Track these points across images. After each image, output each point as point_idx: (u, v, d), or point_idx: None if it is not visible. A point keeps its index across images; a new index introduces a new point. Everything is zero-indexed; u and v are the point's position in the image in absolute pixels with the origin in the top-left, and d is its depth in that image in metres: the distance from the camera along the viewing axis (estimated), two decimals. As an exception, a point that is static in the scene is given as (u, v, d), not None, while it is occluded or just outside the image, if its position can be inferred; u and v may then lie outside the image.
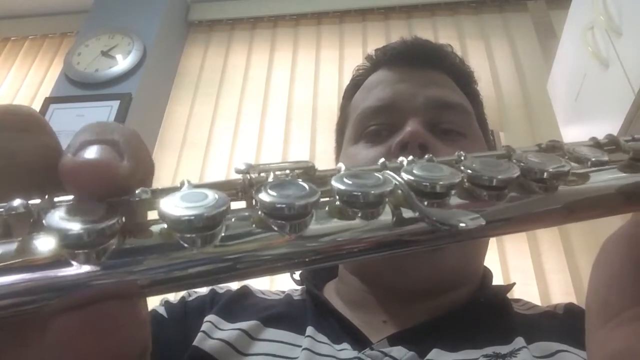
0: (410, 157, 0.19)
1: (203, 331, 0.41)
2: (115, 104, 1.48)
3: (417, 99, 0.47)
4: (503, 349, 0.38)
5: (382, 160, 0.20)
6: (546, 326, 0.41)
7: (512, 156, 0.20)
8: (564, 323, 0.42)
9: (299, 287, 0.51)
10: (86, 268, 0.14)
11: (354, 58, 1.62)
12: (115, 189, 0.16)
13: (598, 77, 1.02)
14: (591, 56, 1.02)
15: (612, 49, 0.95)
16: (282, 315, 0.43)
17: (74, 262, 0.14)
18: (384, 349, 0.38)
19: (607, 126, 0.94)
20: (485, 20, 1.66)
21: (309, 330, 0.41)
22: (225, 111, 1.63)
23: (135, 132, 0.18)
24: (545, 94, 1.37)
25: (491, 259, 1.19)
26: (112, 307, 0.15)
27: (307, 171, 0.18)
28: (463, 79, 0.53)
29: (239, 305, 0.46)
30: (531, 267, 1.22)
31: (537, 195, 0.19)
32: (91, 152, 0.16)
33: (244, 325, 0.42)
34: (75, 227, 0.14)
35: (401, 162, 0.19)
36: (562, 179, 0.19)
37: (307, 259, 0.16)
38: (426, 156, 0.20)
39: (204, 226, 0.15)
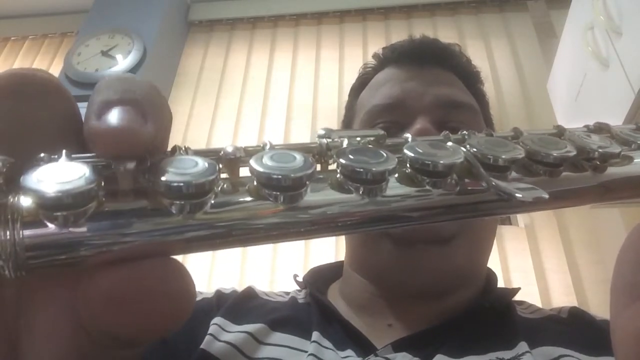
0: (471, 130, 0.20)
1: (210, 334, 0.41)
2: (116, 104, 1.48)
3: (426, 97, 0.47)
4: (506, 354, 0.38)
5: (445, 132, 0.20)
6: (550, 330, 0.41)
7: (564, 135, 0.21)
8: (568, 327, 0.42)
9: (303, 290, 0.51)
10: (182, 219, 0.15)
11: (354, 58, 1.62)
12: (140, 152, 0.16)
13: (598, 77, 1.02)
14: (591, 56, 1.02)
15: (612, 49, 0.95)
16: (289, 319, 0.43)
17: (174, 211, 0.15)
18: (388, 355, 0.38)
19: (607, 126, 0.94)
20: (485, 20, 1.66)
21: (315, 335, 0.41)
22: (225, 111, 1.63)
23: (153, 86, 0.18)
24: (545, 94, 1.37)
25: (491, 259, 1.19)
26: (159, 269, 0.15)
27: (378, 139, 0.19)
28: (470, 78, 0.53)
29: (245, 307, 0.46)
30: (531, 267, 1.22)
31: (587, 173, 0.20)
32: (115, 116, 0.15)
33: (250, 328, 0.41)
34: (180, 178, 0.14)
35: (463, 135, 0.20)
36: (611, 160, 0.20)
37: (379, 222, 0.17)
38: (484, 131, 0.21)
39: (291, 186, 0.16)
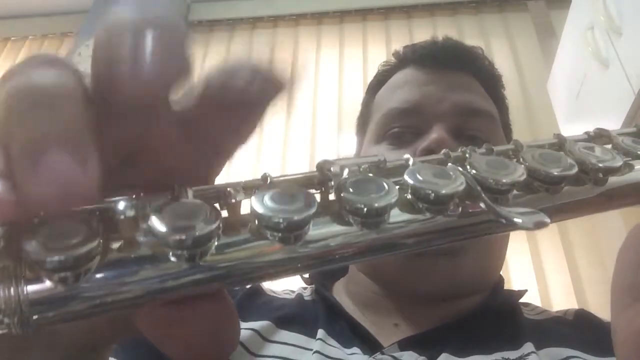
0: (471, 147, 0.20)
1: None
2: (115, 104, 1.48)
3: (444, 103, 0.46)
4: (512, 354, 0.38)
5: (445, 150, 0.20)
6: (556, 332, 0.41)
7: (565, 146, 0.21)
8: (574, 329, 0.42)
9: (308, 286, 0.51)
10: (184, 265, 0.15)
11: (354, 58, 1.62)
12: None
13: (598, 77, 1.02)
14: (591, 56, 1.02)
15: (612, 49, 0.95)
16: (294, 316, 0.43)
17: (176, 260, 0.15)
18: (394, 353, 0.38)
19: (607, 126, 0.94)
20: (485, 20, 1.66)
21: (320, 333, 0.41)
22: (225, 111, 1.62)
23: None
24: (545, 94, 1.37)
25: (491, 259, 1.18)
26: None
27: (378, 164, 0.19)
28: (491, 82, 0.52)
29: (251, 304, 0.45)
30: (531, 267, 1.22)
31: (588, 185, 0.20)
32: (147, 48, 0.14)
33: (256, 325, 0.41)
34: (182, 230, 0.15)
35: (464, 152, 0.20)
36: (612, 174, 0.20)
37: (382, 251, 0.17)
38: (484, 146, 0.21)
39: (293, 227, 0.16)
